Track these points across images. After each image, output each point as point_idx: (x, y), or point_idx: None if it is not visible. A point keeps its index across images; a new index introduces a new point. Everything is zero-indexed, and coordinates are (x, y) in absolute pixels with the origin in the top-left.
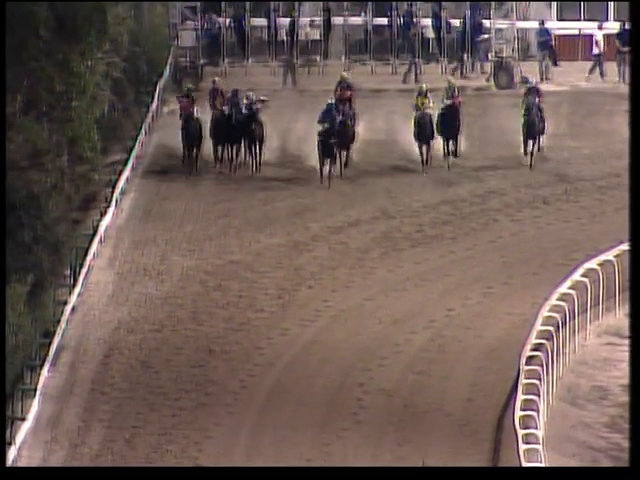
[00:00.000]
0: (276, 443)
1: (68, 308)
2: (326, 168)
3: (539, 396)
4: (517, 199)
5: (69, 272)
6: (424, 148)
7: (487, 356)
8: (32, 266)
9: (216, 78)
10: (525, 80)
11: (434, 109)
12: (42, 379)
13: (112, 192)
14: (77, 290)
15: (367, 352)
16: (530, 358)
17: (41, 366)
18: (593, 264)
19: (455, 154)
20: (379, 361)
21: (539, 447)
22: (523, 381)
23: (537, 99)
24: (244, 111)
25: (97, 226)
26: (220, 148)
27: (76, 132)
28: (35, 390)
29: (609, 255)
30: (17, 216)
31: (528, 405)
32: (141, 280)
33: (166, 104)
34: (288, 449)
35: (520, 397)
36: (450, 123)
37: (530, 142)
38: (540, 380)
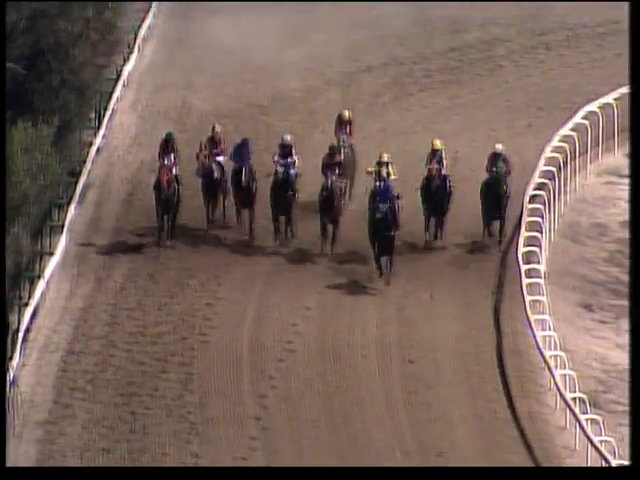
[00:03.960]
0: (290, 281)
1: (93, 149)
2: None
3: (541, 233)
4: (521, 45)
5: (94, 115)
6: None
7: None
8: (59, 109)
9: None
10: None
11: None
12: (69, 216)
13: (135, 39)
14: (102, 132)
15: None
16: (533, 197)
17: (68, 204)
18: (593, 107)
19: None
20: None
21: (541, 281)
22: (526, 219)
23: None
24: None
25: (121, 71)
26: None
27: None
28: (63, 226)
29: (608, 98)
30: (45, 61)
31: (531, 241)
32: (162, 123)
33: None
34: (300, 286)
35: (523, 234)
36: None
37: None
38: (542, 218)
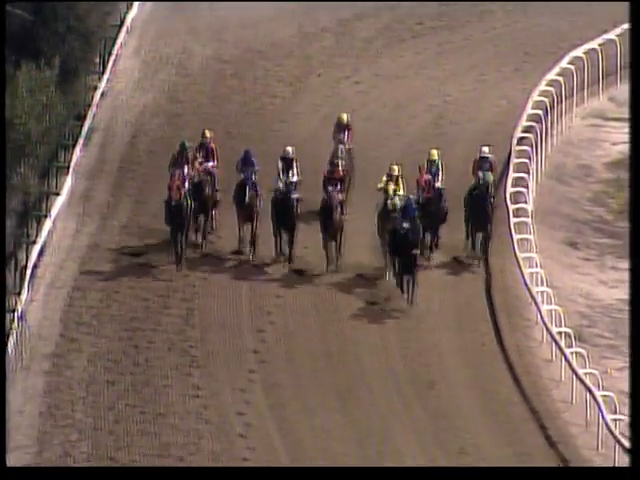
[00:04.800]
0: None
1: (98, 93)
2: None
3: (529, 174)
4: None
5: (99, 60)
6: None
7: (481, 138)
8: (65, 55)
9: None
10: None
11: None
12: (75, 158)
13: None
14: (106, 77)
15: (371, 134)
16: (521, 139)
17: (74, 146)
18: (579, 52)
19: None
20: (383, 142)
21: (528, 220)
22: (514, 160)
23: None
24: None
25: (124, 18)
26: None
27: None
28: (68, 167)
29: (594, 44)
30: (51, 7)
31: (519, 182)
32: (164, 68)
33: None
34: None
35: (511, 175)
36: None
37: None
38: (530, 159)
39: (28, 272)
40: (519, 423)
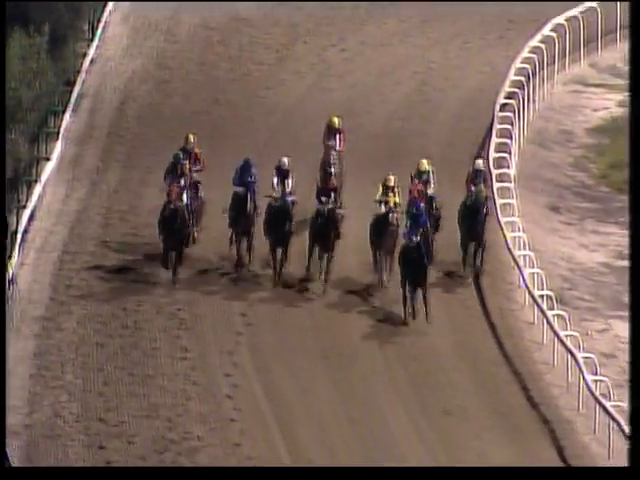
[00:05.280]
0: None
1: (87, 60)
2: None
3: (511, 139)
4: None
5: (88, 27)
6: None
7: (465, 104)
8: (54, 22)
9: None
10: None
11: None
12: (64, 124)
13: None
14: (95, 44)
15: (357, 101)
16: (504, 105)
17: (63, 112)
18: (561, 19)
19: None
20: (368, 109)
21: (511, 185)
22: (497, 126)
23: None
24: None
25: None
26: None
27: None
28: (58, 133)
29: (575, 11)
30: None
31: (501, 148)
32: (153, 35)
33: None
34: None
35: (494, 140)
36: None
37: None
38: (512, 125)
39: (18, 237)
40: (502, 385)
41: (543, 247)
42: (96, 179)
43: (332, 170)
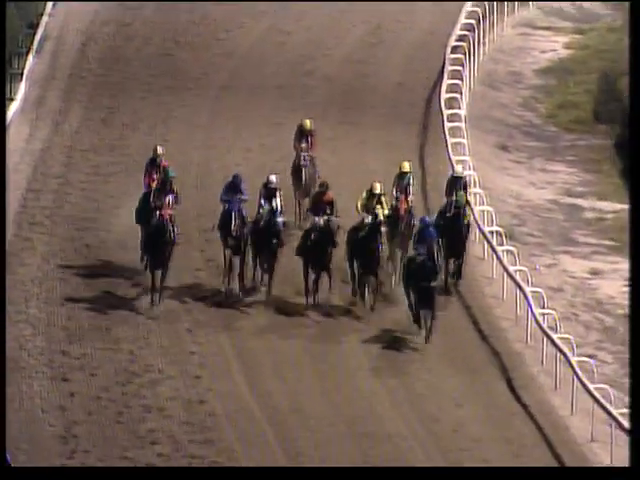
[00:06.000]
0: (234, 120)
1: (49, 3)
2: None
3: (462, 81)
4: None
5: None
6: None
7: (417, 46)
8: None
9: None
10: None
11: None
12: (28, 65)
13: None
14: None
15: (314, 44)
16: (455, 48)
17: (27, 53)
18: None
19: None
20: (324, 51)
21: (462, 125)
22: (448, 68)
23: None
24: None
25: None
26: None
27: None
28: (22, 74)
29: None
30: None
31: (452, 89)
32: None
33: None
34: (244, 128)
35: (445, 81)
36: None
37: None
38: (463, 67)
39: None
40: (453, 319)
41: (493, 185)
42: (59, 119)
43: (327, 183)
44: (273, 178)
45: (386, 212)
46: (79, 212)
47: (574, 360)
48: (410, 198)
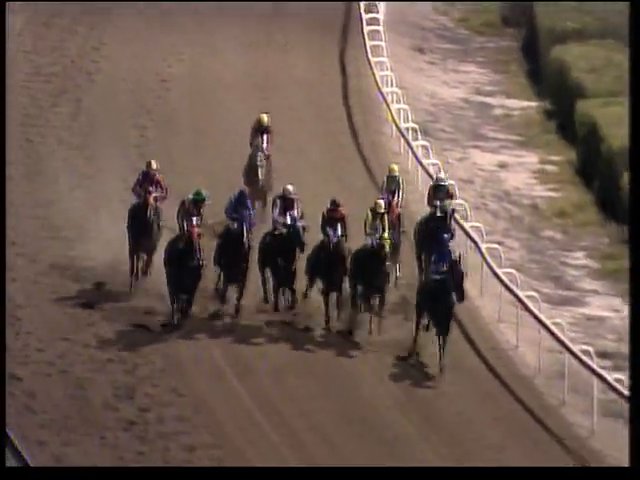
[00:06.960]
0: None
1: None
2: None
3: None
4: None
5: None
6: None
7: None
8: None
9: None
10: None
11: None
12: None
13: None
14: None
15: None
16: None
17: None
18: None
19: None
20: None
21: (380, 28)
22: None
23: None
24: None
25: None
26: None
27: None
28: None
29: None
30: None
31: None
32: None
33: None
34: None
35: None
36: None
37: None
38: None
39: None
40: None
41: (409, 84)
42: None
43: (339, 200)
44: (290, 187)
45: (386, 235)
46: (20, 109)
47: (484, 247)
48: (399, 202)
